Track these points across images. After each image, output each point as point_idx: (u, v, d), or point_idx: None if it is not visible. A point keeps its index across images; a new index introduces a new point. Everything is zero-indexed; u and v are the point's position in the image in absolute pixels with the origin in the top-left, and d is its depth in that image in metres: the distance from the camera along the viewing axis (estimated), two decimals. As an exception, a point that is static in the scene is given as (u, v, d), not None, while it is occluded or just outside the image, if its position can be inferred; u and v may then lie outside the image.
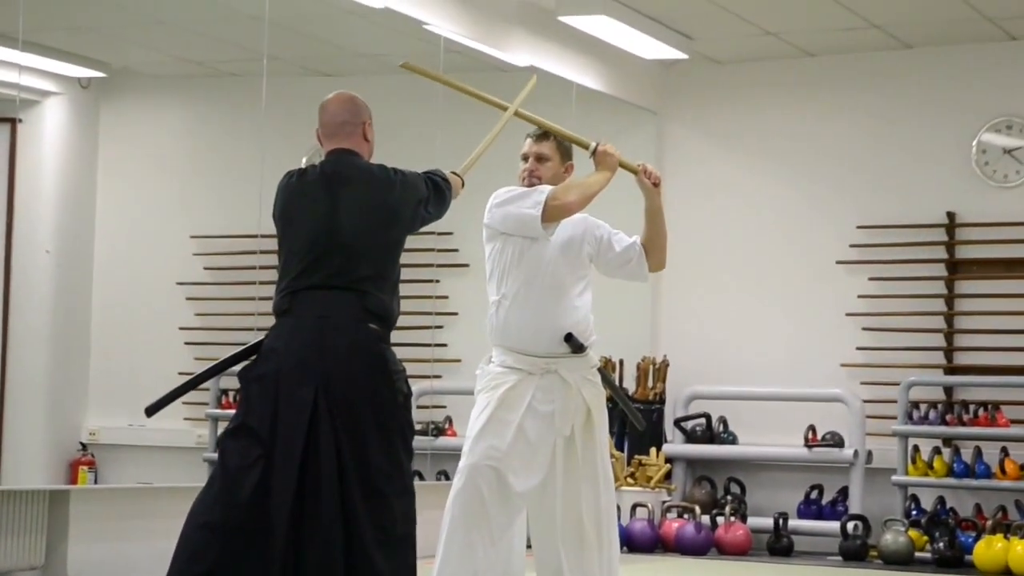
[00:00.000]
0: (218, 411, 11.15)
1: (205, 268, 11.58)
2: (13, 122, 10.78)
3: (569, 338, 5.67)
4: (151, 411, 4.83)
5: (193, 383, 4.90)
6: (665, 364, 11.19)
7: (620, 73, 11.29)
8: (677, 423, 11.14)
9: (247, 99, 10.72)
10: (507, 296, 5.67)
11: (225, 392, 11.21)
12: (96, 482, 11.15)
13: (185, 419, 11.49)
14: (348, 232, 4.75)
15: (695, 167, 11.74)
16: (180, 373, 11.47)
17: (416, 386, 10.97)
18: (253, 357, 4.83)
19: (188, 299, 11.60)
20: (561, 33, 10.52)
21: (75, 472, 11.24)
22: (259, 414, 4.63)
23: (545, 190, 5.66)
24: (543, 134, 5.86)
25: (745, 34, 10.94)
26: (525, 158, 5.85)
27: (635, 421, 6.40)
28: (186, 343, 11.57)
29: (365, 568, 4.53)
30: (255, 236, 10.72)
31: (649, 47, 10.99)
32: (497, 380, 5.61)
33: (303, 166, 5.06)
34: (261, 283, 11.08)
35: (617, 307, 11.53)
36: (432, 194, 5.00)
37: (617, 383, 6.21)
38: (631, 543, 10.14)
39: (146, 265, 11.74)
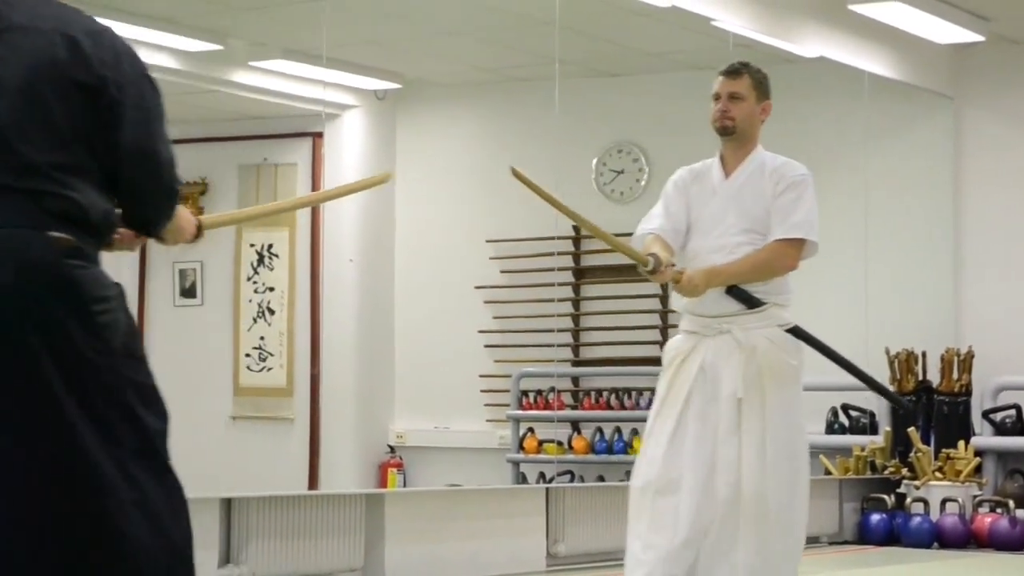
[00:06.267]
0: (519, 412, 11.32)
1: (502, 271, 11.77)
2: (315, 136, 11.15)
3: (731, 291, 5.09)
4: None
5: None
6: (970, 355, 10.90)
7: (913, 59, 11.05)
8: (985, 415, 10.85)
9: (539, 103, 10.85)
10: (685, 255, 5.25)
11: (525, 393, 11.36)
12: (404, 484, 11.44)
13: (487, 420, 11.70)
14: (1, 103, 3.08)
15: (994, 152, 11.39)
16: (481, 376, 11.72)
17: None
18: None
19: (486, 302, 11.80)
20: (851, 21, 10.35)
21: (384, 475, 11.55)
22: None
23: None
24: (737, 70, 5.22)
25: (1045, 12, 10.59)
26: (717, 97, 5.22)
27: (878, 391, 5.58)
28: (485, 346, 11.77)
29: None
30: (551, 239, 10.85)
31: (943, 31, 10.72)
32: (672, 353, 5.21)
33: None
34: (559, 284, 11.22)
35: (918, 298, 11.31)
36: (163, 144, 3.19)
37: (821, 341, 5.34)
38: (942, 538, 9.92)
39: (445, 270, 11.99)
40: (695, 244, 5.23)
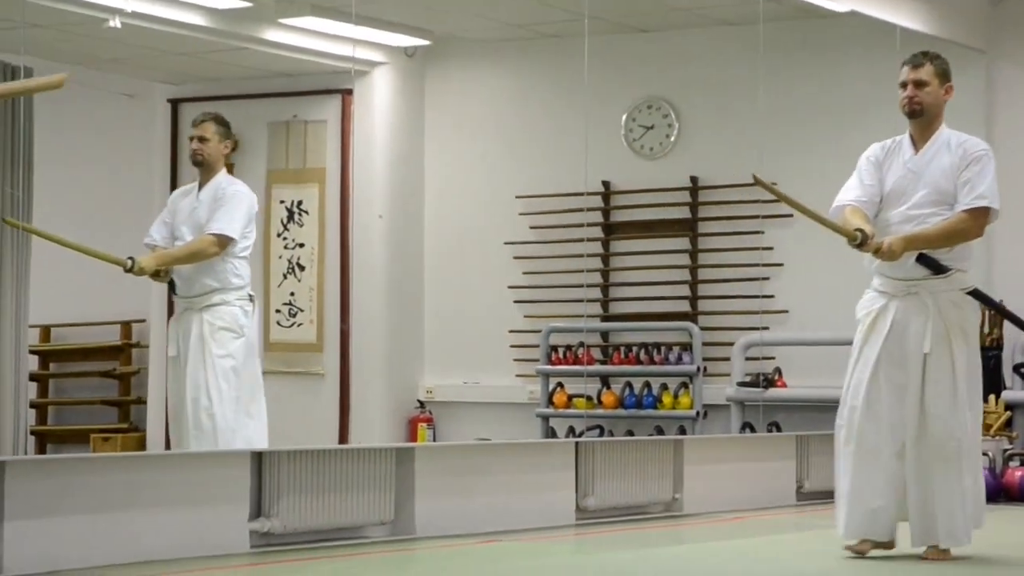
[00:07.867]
0: (548, 367, 11.34)
1: (531, 227, 11.77)
2: (344, 93, 11.15)
3: (921, 259, 5.83)
4: None
5: None
6: (1001, 310, 10.88)
7: (946, 13, 10.97)
8: (1016, 369, 10.84)
9: (568, 59, 10.83)
10: (877, 224, 5.95)
11: (555, 348, 11.38)
12: (434, 439, 11.48)
13: (517, 376, 11.73)
14: None
15: (1028, 106, 11.33)
16: (510, 331, 11.74)
17: (744, 338, 10.98)
18: None
19: (515, 258, 11.80)
20: (883, -25, 10.29)
21: (414, 429, 11.60)
22: None
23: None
24: (920, 60, 5.98)
25: (1079, -36, 10.49)
26: (903, 85, 5.99)
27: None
28: (515, 301, 11.79)
29: None
30: (581, 194, 10.85)
31: (976, -16, 10.66)
32: (866, 308, 6.00)
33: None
34: (588, 240, 11.22)
35: (949, 253, 11.24)
36: None
37: (997, 302, 6.85)
38: (971, 494, 9.91)
39: (474, 226, 11.99)
40: (886, 214, 5.96)
